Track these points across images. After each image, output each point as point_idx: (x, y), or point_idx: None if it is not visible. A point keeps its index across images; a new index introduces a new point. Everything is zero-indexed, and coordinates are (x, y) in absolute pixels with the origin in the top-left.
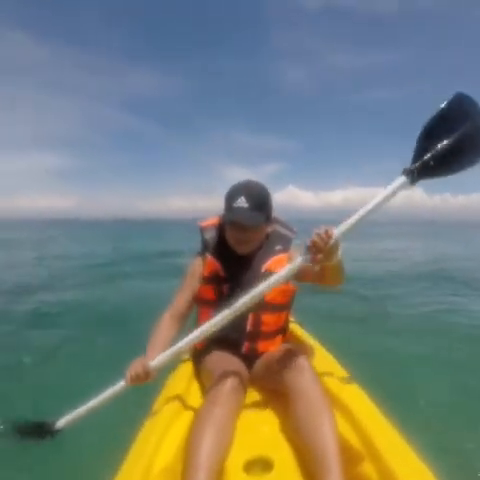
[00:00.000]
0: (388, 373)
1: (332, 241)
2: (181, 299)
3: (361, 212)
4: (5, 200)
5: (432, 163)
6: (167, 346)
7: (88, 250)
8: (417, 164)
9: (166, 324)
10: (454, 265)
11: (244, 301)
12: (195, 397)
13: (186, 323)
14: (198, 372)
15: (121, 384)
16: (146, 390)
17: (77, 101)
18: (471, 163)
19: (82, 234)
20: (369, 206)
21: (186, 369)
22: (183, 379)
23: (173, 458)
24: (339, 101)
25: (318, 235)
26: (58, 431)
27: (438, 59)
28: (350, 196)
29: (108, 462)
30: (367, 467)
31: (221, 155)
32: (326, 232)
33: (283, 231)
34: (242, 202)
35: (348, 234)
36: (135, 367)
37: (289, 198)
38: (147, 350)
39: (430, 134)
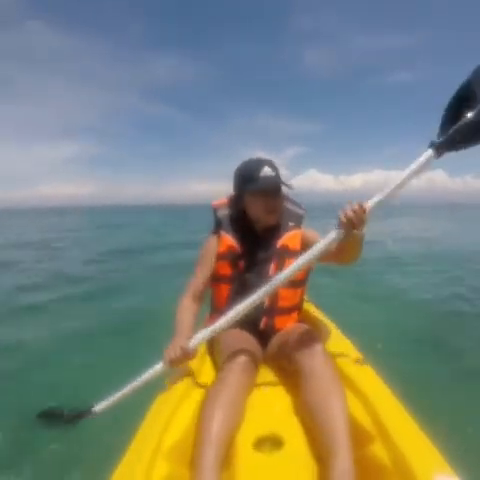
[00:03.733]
0: (402, 355)
1: (366, 216)
2: (199, 278)
3: (391, 186)
4: (28, 189)
5: (457, 136)
6: (193, 326)
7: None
8: (443, 137)
9: (188, 305)
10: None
11: (276, 281)
12: (208, 374)
13: (204, 301)
14: (212, 349)
15: (160, 366)
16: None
17: (99, 90)
18: None
19: (91, 219)
20: (398, 181)
21: (201, 346)
22: (197, 355)
23: (184, 435)
24: (360, 84)
25: (353, 211)
26: (95, 415)
27: (460, 42)
28: (371, 179)
29: (120, 436)
30: (377, 448)
31: (244, 139)
32: (361, 207)
33: (293, 208)
34: (268, 171)
35: (378, 208)
36: (174, 349)
37: (310, 182)
38: (176, 331)
39: (454, 108)
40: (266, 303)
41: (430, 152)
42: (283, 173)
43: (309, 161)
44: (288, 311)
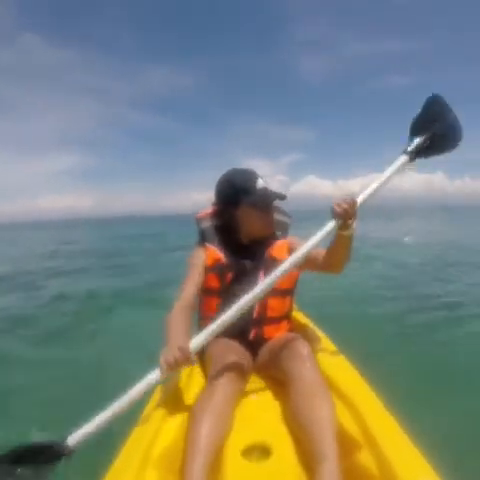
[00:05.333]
0: (387, 360)
1: (356, 207)
2: (189, 290)
3: (374, 186)
4: (27, 202)
5: (424, 145)
6: (188, 332)
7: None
8: (413, 146)
9: (180, 313)
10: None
11: (266, 283)
12: (197, 383)
13: (193, 314)
14: (202, 358)
15: (155, 375)
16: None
17: (94, 102)
18: (451, 147)
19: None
20: (379, 182)
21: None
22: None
23: (173, 443)
24: (357, 89)
25: (346, 202)
26: (72, 452)
27: (455, 48)
28: (368, 182)
29: (106, 446)
30: (364, 455)
31: (242, 147)
32: (352, 199)
33: (279, 217)
34: (264, 183)
35: (364, 204)
36: (172, 352)
37: (309, 188)
38: (170, 337)
39: (418, 125)
40: (255, 313)
41: (404, 157)
42: (281, 179)
43: (308, 167)
44: (277, 321)
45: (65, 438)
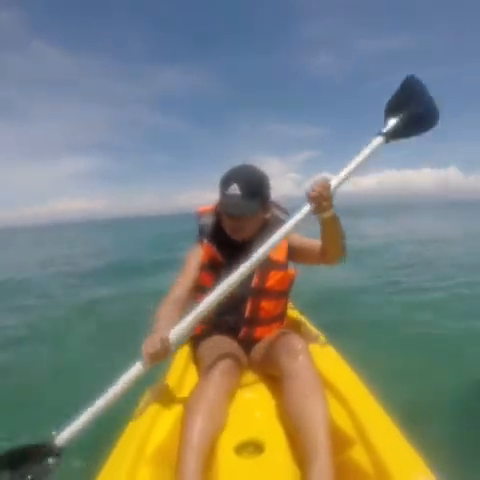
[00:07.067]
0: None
1: (330, 191)
2: (180, 286)
3: (348, 169)
4: (40, 206)
5: (399, 125)
6: (172, 324)
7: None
8: (388, 127)
9: (168, 306)
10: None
11: (255, 257)
12: (191, 380)
13: (186, 310)
14: (195, 356)
15: (137, 367)
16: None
17: (106, 106)
18: (426, 128)
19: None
20: (354, 164)
21: (184, 353)
22: (180, 362)
23: (167, 439)
24: (369, 85)
25: (320, 185)
26: (61, 449)
27: (469, 39)
28: (384, 180)
29: (99, 443)
30: (358, 452)
31: (255, 146)
32: (325, 182)
33: (283, 216)
34: (235, 189)
35: (339, 186)
36: (153, 342)
37: None
38: (154, 330)
39: (394, 106)
40: (246, 313)
41: (380, 139)
42: (293, 177)
43: (322, 164)
44: (269, 321)
45: (53, 437)
